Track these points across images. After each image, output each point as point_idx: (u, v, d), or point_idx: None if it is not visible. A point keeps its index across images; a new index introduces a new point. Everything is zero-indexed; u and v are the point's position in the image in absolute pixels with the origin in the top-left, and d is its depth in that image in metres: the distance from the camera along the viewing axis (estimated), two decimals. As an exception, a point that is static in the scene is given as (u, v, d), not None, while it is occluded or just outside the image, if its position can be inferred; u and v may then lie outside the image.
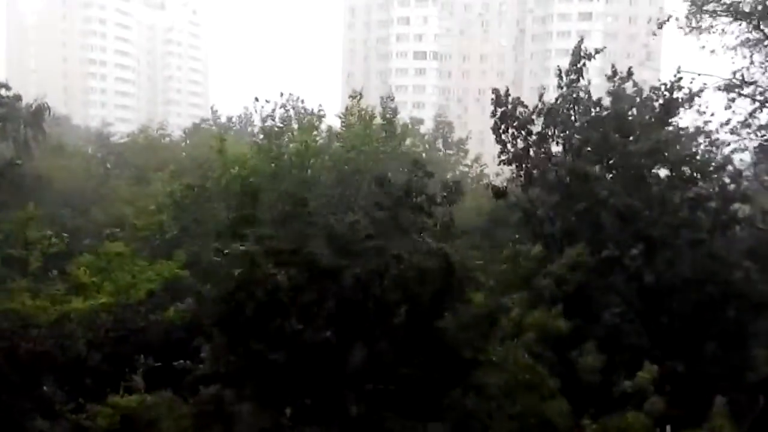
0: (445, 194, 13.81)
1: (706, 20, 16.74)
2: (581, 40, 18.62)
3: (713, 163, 17.76)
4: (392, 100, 29.97)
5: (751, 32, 16.66)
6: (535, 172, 17.93)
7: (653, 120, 18.05)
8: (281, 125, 28.86)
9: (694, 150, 18.22)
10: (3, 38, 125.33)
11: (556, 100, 18.56)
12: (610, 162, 18.25)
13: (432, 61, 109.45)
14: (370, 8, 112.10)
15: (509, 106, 18.05)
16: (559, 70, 18.60)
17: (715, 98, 18.14)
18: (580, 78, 18.37)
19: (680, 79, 17.85)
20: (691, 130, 18.57)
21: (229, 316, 12.03)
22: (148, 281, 16.50)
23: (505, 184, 18.59)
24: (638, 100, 18.39)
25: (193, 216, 21.91)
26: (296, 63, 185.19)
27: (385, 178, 13.80)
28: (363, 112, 28.17)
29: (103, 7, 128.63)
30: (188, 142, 42.95)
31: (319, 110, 29.74)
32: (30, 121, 23.26)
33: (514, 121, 17.84)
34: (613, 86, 18.57)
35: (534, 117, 18.11)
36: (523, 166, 17.70)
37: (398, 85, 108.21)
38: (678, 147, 17.80)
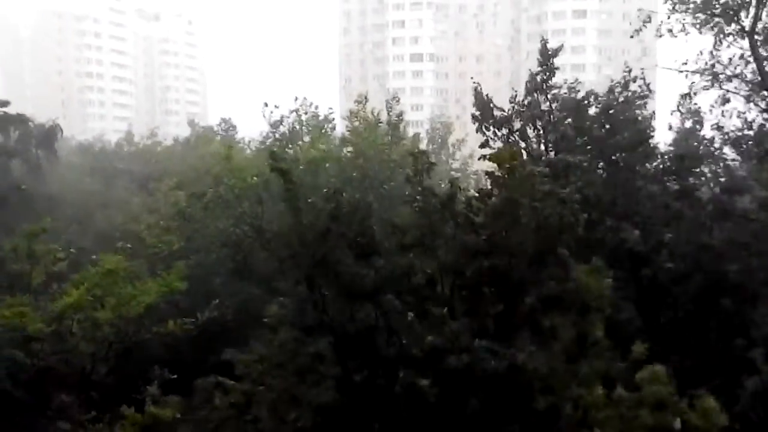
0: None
1: (687, 19, 16.91)
2: (545, 41, 18.83)
3: (701, 157, 17.95)
4: (398, 101, 29.50)
5: (730, 25, 16.82)
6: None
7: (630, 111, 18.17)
8: (290, 131, 27.94)
9: (683, 143, 18.45)
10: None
11: (527, 98, 18.63)
12: (592, 156, 18.34)
13: (429, 63, 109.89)
14: (365, 13, 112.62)
15: (488, 106, 18.24)
16: (531, 72, 18.75)
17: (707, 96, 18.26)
18: (551, 76, 18.50)
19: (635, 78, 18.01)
20: (678, 123, 18.86)
21: None
22: (146, 294, 16.44)
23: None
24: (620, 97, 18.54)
25: (199, 226, 21.50)
26: (293, 69, 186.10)
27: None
28: (368, 116, 27.98)
29: (97, 21, 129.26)
30: (178, 149, 42.79)
31: (329, 114, 29.12)
32: (42, 143, 23.49)
33: (491, 120, 18.04)
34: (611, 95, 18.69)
35: (512, 115, 18.28)
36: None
37: (396, 87, 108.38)
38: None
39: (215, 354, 15.59)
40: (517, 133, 18.06)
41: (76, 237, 22.69)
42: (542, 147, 18.22)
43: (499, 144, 17.91)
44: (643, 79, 18.58)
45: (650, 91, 18.64)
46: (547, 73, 18.30)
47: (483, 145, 17.88)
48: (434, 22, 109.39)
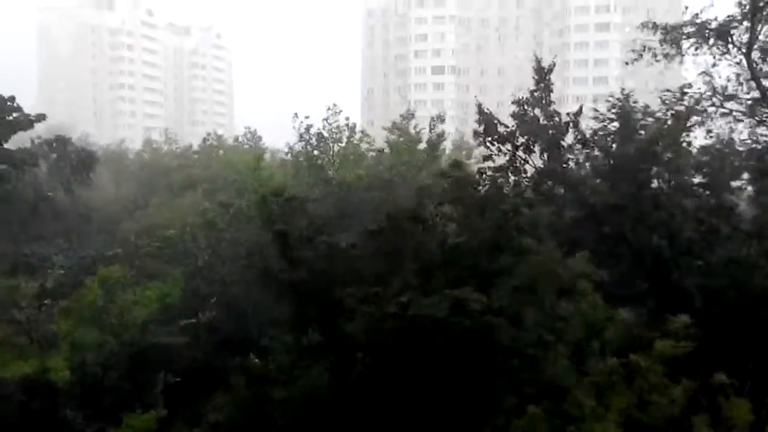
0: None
1: (683, 44, 17.26)
2: (539, 60, 19.30)
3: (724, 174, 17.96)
4: (442, 121, 29.47)
5: (722, 47, 17.11)
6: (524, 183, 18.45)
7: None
8: (318, 141, 27.89)
9: (702, 159, 18.59)
10: (35, 66, 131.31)
11: (525, 114, 18.94)
12: (611, 171, 18.59)
13: (450, 76, 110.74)
14: (388, 27, 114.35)
15: (492, 122, 18.64)
16: (530, 91, 19.13)
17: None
18: (549, 92, 18.91)
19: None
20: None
21: None
22: (143, 304, 16.76)
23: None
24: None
25: (228, 235, 21.66)
26: (316, 81, 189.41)
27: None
28: (410, 132, 28.37)
29: (130, 34, 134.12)
30: (198, 157, 43.70)
31: (359, 129, 29.04)
32: (77, 169, 24.51)
33: (495, 135, 18.46)
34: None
35: (515, 131, 18.64)
36: (511, 177, 18.29)
37: (417, 99, 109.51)
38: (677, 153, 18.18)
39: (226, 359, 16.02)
40: (521, 147, 18.47)
41: (101, 247, 22.79)
42: (544, 161, 18.59)
43: (503, 159, 18.45)
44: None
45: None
46: (544, 89, 18.63)
47: (486, 159, 18.43)
48: (456, 36, 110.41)
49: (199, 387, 15.69)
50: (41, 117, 24.62)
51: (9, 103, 23.46)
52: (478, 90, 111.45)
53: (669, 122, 18.54)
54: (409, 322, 11.76)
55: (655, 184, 18.31)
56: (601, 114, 19.09)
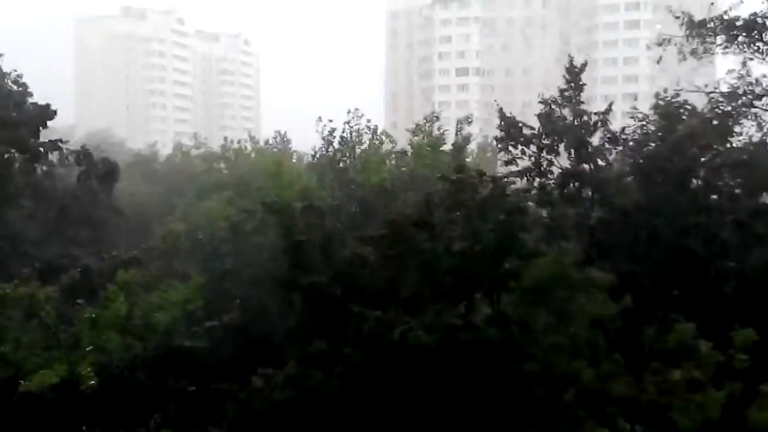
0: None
1: (708, 40, 16.82)
2: (571, 59, 19.08)
3: None
4: (469, 123, 29.36)
5: (752, 44, 16.61)
6: (549, 186, 18.28)
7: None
8: (341, 144, 27.91)
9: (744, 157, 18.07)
10: (72, 73, 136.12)
11: (552, 114, 18.73)
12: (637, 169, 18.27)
13: (474, 77, 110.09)
14: (412, 29, 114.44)
15: (516, 125, 18.48)
16: (560, 90, 18.93)
17: None
18: (579, 92, 18.68)
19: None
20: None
21: None
22: (166, 308, 16.79)
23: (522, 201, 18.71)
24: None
25: (251, 241, 21.52)
26: (342, 84, 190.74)
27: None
28: (432, 134, 27.95)
29: (162, 42, 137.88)
30: (227, 159, 44.34)
31: (381, 131, 29.02)
32: (103, 180, 25.44)
33: (520, 138, 18.26)
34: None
35: (542, 133, 18.44)
36: (537, 180, 18.15)
37: (441, 101, 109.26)
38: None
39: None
40: (546, 149, 18.33)
41: (130, 249, 22.57)
42: (570, 161, 18.43)
43: (527, 161, 18.34)
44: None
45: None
46: (574, 89, 18.43)
47: (508, 163, 18.32)
48: (481, 37, 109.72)
49: (220, 392, 15.72)
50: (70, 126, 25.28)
51: (46, 111, 24.46)
52: (504, 90, 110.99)
53: (714, 121, 18.14)
54: (410, 348, 11.75)
55: (692, 184, 17.93)
56: (641, 113, 18.81)
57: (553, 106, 18.72)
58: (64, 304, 16.62)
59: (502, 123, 18.85)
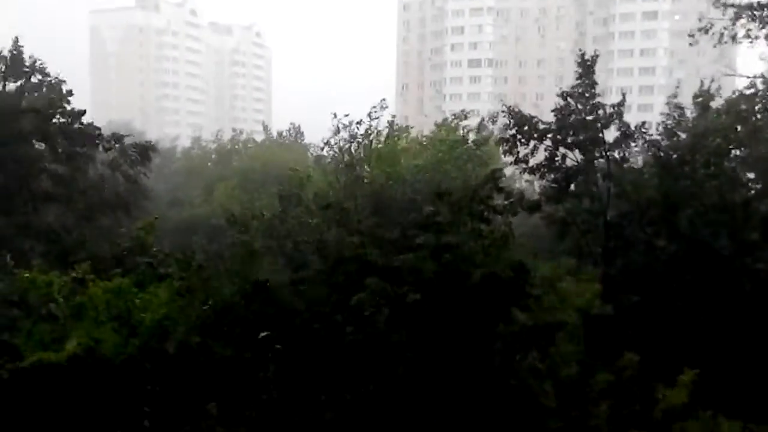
0: (507, 203, 13.68)
1: (752, 26, 16.31)
2: (583, 53, 18.67)
3: None
4: (495, 121, 27.68)
5: None
6: (565, 183, 17.99)
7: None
8: (352, 138, 26.95)
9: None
10: (87, 65, 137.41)
11: (566, 108, 18.38)
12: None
13: (487, 69, 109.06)
14: (424, 20, 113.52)
15: (529, 121, 18.14)
16: (562, 92, 18.56)
17: None
18: (592, 86, 18.28)
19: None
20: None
21: None
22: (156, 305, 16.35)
23: (538, 197, 18.52)
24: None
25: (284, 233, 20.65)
26: (353, 76, 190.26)
27: (445, 191, 14.04)
28: (455, 131, 27.85)
29: (175, 34, 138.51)
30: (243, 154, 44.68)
31: (406, 126, 28.69)
32: (137, 161, 25.57)
33: (534, 134, 17.95)
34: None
35: (554, 127, 18.14)
36: (552, 177, 17.87)
37: (452, 93, 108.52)
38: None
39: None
40: (560, 143, 18.05)
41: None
42: (583, 154, 18.12)
43: (542, 154, 18.06)
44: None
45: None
46: (587, 83, 18.09)
47: (517, 162, 17.97)
48: (494, 27, 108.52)
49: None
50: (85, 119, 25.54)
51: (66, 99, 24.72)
52: (517, 81, 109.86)
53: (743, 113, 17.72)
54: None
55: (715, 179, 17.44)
56: (680, 103, 18.39)
57: (570, 100, 18.35)
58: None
59: (511, 120, 18.37)
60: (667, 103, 19.06)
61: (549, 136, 18.04)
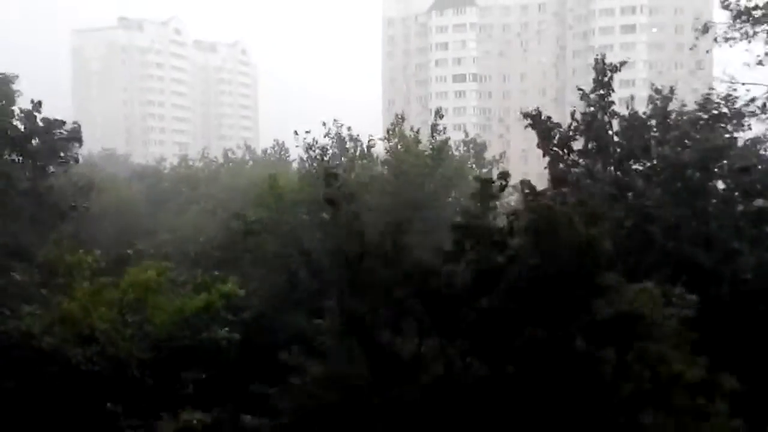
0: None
1: (748, 28, 16.50)
2: (603, 56, 18.78)
3: None
4: (441, 116, 30.05)
5: None
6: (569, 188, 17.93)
7: (701, 129, 17.77)
8: (326, 154, 28.61)
9: (754, 160, 17.63)
10: (69, 84, 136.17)
11: (587, 116, 18.58)
12: (658, 174, 17.85)
13: (471, 83, 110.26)
14: (408, 37, 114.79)
15: (549, 128, 17.99)
16: (582, 91, 18.73)
17: None
18: (610, 92, 18.42)
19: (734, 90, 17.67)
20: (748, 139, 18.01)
21: None
22: (180, 306, 17.08)
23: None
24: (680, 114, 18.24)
25: (245, 246, 22.10)
26: (339, 94, 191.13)
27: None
28: (407, 135, 28.25)
29: (159, 53, 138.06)
30: (223, 172, 44.66)
31: (370, 140, 29.52)
32: (78, 194, 25.61)
33: (554, 140, 17.83)
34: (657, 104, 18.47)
35: (573, 134, 18.04)
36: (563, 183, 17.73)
37: (438, 108, 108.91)
38: (732, 156, 17.26)
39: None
40: (577, 152, 17.85)
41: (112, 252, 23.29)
42: (601, 165, 17.86)
43: (560, 163, 17.84)
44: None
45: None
46: (605, 90, 18.03)
47: (552, 165, 17.69)
48: (477, 43, 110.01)
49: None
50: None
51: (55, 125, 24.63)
52: (501, 96, 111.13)
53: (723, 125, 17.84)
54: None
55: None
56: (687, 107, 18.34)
57: (594, 108, 17.99)
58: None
59: (539, 127, 17.80)
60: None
61: (565, 144, 17.71)
